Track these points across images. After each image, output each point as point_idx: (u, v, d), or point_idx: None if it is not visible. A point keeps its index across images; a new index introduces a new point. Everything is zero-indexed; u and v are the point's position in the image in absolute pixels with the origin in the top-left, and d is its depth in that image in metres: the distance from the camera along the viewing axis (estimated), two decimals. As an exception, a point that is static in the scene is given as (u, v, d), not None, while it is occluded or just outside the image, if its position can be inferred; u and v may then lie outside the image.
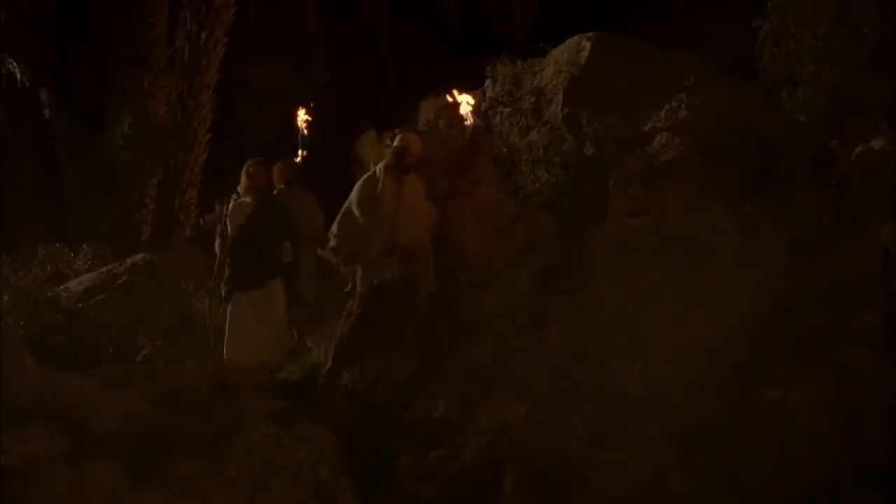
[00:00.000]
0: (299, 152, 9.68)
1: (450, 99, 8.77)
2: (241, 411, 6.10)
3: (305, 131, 9.77)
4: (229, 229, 8.44)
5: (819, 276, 7.16)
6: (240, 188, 8.61)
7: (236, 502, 5.49)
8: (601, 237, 7.78)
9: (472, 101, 8.68)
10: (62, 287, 8.80)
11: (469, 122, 8.58)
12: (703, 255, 7.32)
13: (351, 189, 8.62)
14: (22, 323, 7.41)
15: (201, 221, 9.72)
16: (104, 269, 9.20)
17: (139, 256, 9.38)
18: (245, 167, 8.65)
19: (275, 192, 8.88)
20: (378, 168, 8.45)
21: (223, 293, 8.41)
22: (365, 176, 8.57)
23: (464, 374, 7.13)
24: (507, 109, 9.76)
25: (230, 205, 8.59)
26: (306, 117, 9.78)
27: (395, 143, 8.47)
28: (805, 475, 6.09)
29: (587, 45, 9.84)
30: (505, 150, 9.28)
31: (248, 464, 5.64)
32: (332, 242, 8.55)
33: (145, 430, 5.67)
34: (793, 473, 6.09)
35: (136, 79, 14.04)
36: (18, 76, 12.40)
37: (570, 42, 10.06)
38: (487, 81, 10.45)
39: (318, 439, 5.97)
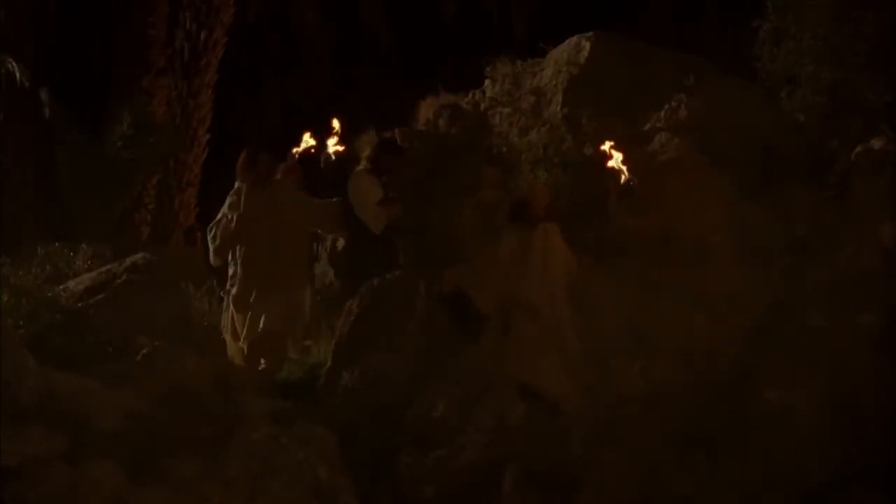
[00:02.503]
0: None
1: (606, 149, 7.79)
2: (241, 411, 6.09)
3: (333, 156, 8.82)
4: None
5: (819, 276, 7.18)
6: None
7: (236, 502, 5.48)
8: (601, 237, 7.78)
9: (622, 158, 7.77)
10: (62, 287, 8.76)
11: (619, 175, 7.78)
12: (703, 255, 7.33)
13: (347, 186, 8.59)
14: (22, 322, 7.39)
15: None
16: (104, 268, 9.16)
17: (139, 256, 9.33)
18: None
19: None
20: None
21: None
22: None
23: (464, 374, 7.13)
24: (507, 109, 9.74)
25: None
26: (336, 148, 8.81)
27: (518, 196, 7.58)
28: (805, 475, 6.10)
29: (587, 45, 9.82)
30: (505, 149, 9.27)
31: (248, 464, 5.63)
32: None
33: (145, 430, 5.66)
34: (793, 473, 6.10)
35: (136, 79, 14.04)
36: (18, 76, 12.40)
37: (570, 42, 10.04)
38: (487, 81, 10.43)
39: (318, 439, 5.97)
